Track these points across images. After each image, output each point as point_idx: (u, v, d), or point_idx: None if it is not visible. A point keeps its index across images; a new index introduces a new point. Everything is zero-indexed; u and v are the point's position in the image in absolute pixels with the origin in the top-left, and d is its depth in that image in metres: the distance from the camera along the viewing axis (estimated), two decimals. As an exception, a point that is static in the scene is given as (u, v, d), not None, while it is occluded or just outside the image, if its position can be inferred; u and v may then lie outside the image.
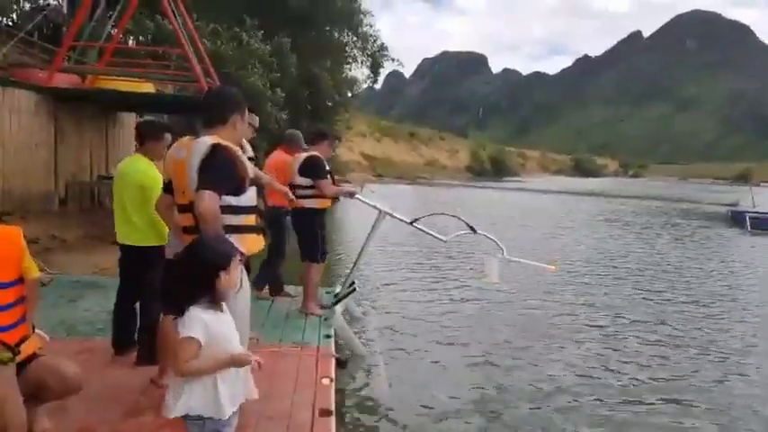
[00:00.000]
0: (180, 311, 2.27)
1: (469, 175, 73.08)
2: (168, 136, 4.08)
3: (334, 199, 5.90)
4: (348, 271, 6.45)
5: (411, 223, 5.92)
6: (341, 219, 18.32)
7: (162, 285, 3.45)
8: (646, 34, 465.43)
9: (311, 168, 5.58)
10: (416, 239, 11.97)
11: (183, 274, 2.31)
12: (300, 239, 5.77)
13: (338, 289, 6.38)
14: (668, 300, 9.51)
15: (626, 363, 6.31)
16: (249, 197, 2.89)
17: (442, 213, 6.59)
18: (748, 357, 6.73)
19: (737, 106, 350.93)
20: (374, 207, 5.84)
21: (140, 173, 4.02)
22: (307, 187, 5.58)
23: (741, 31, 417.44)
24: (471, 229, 5.97)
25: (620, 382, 5.72)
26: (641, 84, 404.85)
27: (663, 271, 12.25)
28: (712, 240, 18.95)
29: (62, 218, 10.51)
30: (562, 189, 51.42)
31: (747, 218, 22.09)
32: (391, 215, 5.84)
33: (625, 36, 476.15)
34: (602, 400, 5.24)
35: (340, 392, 4.66)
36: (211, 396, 2.27)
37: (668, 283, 10.89)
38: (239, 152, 2.85)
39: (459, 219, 6.06)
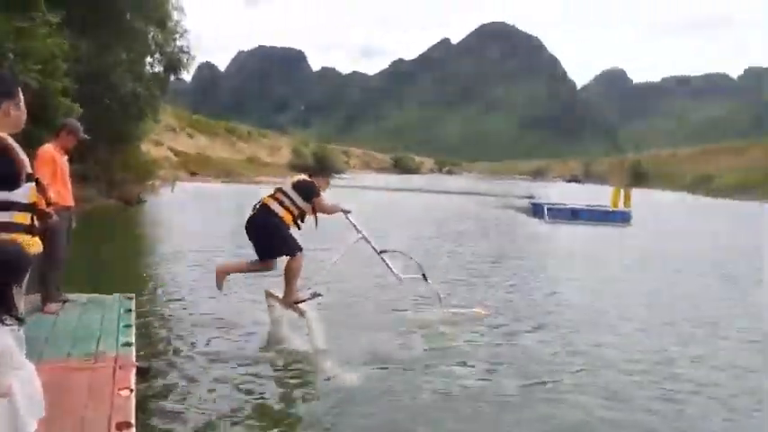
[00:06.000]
0: None
1: (293, 172, 72.13)
2: None
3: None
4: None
5: (379, 253, 6.40)
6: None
7: None
8: (453, 41, 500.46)
9: (307, 191, 5.77)
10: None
11: None
12: (272, 242, 5.71)
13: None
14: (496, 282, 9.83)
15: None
16: (24, 193, 2.63)
17: (407, 255, 6.96)
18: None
19: (533, 109, 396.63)
20: (357, 230, 6.29)
21: None
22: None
23: (534, 43, 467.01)
24: (425, 278, 6.72)
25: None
26: (454, 87, 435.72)
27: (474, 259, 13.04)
28: (519, 229, 20.81)
29: None
30: (389, 186, 53.34)
31: (545, 209, 24.63)
32: (367, 241, 6.30)
33: (435, 42, 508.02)
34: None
35: (148, 402, 4.24)
36: (8, 414, 2.05)
37: (481, 269, 11.39)
38: (12, 142, 2.58)
39: (417, 263, 6.79)
